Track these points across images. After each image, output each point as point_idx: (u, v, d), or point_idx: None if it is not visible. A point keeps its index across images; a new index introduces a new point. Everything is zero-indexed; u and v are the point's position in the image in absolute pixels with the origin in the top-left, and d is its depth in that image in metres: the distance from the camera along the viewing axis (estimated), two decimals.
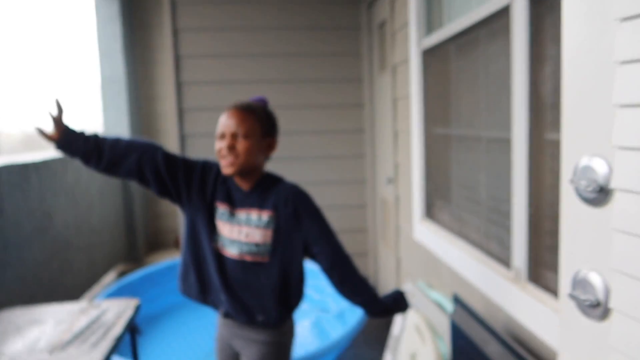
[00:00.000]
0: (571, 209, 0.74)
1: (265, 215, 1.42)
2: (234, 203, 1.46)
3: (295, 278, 1.49)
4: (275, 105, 3.48)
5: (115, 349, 1.60)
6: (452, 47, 2.00)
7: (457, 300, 1.74)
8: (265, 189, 1.46)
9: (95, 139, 1.41)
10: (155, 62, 4.91)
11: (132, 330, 1.93)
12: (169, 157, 1.46)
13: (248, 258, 1.42)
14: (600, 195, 0.69)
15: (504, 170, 1.59)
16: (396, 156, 2.84)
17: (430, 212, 2.32)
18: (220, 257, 1.45)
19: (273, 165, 3.47)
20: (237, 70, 3.51)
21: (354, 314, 2.79)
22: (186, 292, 1.54)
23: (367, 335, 2.93)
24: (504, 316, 1.58)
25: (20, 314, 1.85)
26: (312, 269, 3.36)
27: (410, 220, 2.52)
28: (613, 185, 0.65)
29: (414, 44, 2.36)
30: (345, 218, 3.65)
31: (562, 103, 0.77)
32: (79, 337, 1.64)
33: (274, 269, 1.43)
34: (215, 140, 1.43)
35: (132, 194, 4.71)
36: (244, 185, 1.46)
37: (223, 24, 3.47)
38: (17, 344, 1.59)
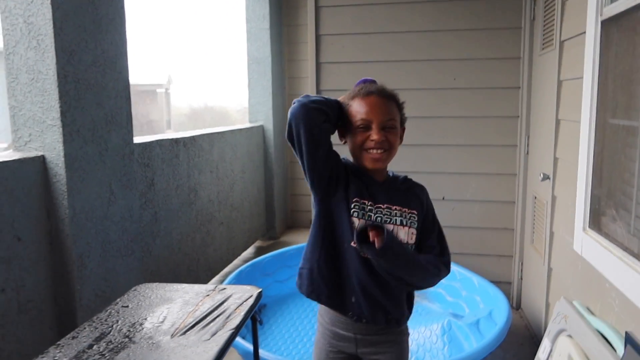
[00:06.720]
0: None
1: (410, 214, 1.36)
2: (375, 197, 1.35)
3: None
4: (418, 87, 3.25)
5: (232, 339, 1.57)
6: None
7: (630, 341, 1.37)
8: (400, 185, 1.40)
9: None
10: (300, 42, 4.92)
11: (253, 319, 1.90)
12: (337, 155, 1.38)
13: None
14: None
15: None
16: (556, 149, 2.41)
17: (597, 221, 1.90)
18: (359, 257, 1.34)
19: (413, 153, 3.25)
20: (379, 49, 3.30)
21: (492, 325, 2.48)
22: (312, 293, 1.44)
23: (507, 352, 2.59)
24: None
25: (154, 289, 1.94)
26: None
27: (571, 228, 2.12)
28: None
29: (592, 13, 1.92)
30: (490, 214, 3.27)
31: None
32: (200, 322, 1.64)
33: None
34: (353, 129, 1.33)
35: (272, 172, 4.84)
36: (379, 177, 1.38)
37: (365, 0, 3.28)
38: (147, 320, 1.65)
